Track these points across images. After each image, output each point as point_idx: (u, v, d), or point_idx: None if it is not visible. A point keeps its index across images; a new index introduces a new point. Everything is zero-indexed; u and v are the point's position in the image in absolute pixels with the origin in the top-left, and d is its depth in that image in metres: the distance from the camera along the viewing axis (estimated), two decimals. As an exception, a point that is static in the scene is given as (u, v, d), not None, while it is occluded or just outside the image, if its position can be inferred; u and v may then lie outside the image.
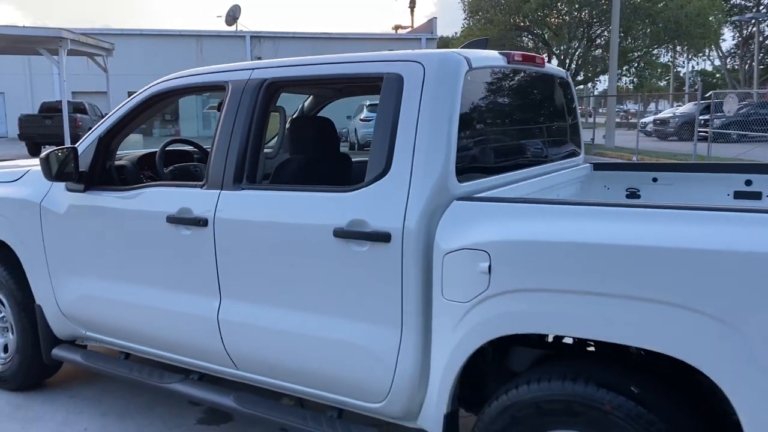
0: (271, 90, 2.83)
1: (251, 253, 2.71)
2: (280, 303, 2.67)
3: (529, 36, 25.56)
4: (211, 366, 3.01)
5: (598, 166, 3.69)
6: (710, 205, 1.99)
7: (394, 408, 2.49)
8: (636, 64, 24.52)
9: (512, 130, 2.89)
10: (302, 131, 3.28)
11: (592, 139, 21.69)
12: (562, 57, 26.21)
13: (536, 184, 2.84)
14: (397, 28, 54.35)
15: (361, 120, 22.40)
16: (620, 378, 2.06)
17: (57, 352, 3.55)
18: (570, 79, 3.54)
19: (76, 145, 3.29)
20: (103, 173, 3.34)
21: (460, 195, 2.35)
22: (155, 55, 33.02)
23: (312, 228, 2.54)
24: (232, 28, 36.75)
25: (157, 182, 3.16)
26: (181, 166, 3.74)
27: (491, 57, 2.72)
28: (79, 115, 21.54)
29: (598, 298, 1.99)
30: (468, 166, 2.45)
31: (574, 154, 3.53)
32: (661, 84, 42.88)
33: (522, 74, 2.99)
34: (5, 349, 3.84)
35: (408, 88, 2.44)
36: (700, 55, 29.76)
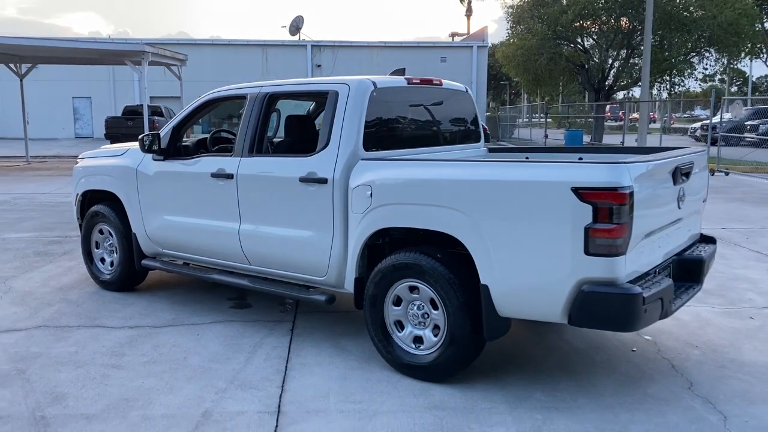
0: (270, 99, 4.83)
1: (256, 193, 4.70)
2: (270, 221, 4.65)
3: (568, 44, 26.86)
4: (234, 264, 5.01)
5: (492, 149, 5.54)
6: (465, 158, 3.88)
7: (331, 279, 4.42)
8: (672, 72, 25.47)
9: (408, 123, 4.78)
10: (290, 123, 5.25)
11: (622, 142, 22.96)
12: (600, 64, 27.39)
13: (430, 156, 4.72)
14: (453, 35, 56.12)
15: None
16: (432, 250, 3.93)
17: (145, 262, 5.64)
18: (470, 92, 5.40)
19: (159, 131, 5.38)
20: (175, 149, 5.41)
21: (363, 157, 4.27)
22: (225, 63, 35.85)
23: (288, 177, 4.50)
24: (295, 37, 39.35)
25: (206, 154, 5.21)
26: (221, 145, 5.78)
27: (395, 80, 4.63)
28: (156, 117, 24.42)
29: (421, 207, 3.88)
30: (371, 143, 4.36)
31: (472, 140, 5.38)
32: (700, 89, 42.99)
33: (423, 89, 4.87)
34: (112, 264, 5.97)
35: (340, 99, 4.37)
36: (735, 61, 30.28)
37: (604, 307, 3.35)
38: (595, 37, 27.57)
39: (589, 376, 4.09)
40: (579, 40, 27.03)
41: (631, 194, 3.28)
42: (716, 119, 30.61)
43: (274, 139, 5.65)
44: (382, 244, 4.29)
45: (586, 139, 27.46)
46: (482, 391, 3.85)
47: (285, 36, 39.62)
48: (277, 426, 3.45)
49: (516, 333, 4.86)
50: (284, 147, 5.07)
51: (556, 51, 25.75)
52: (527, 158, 5.01)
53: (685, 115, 62.80)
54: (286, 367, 4.23)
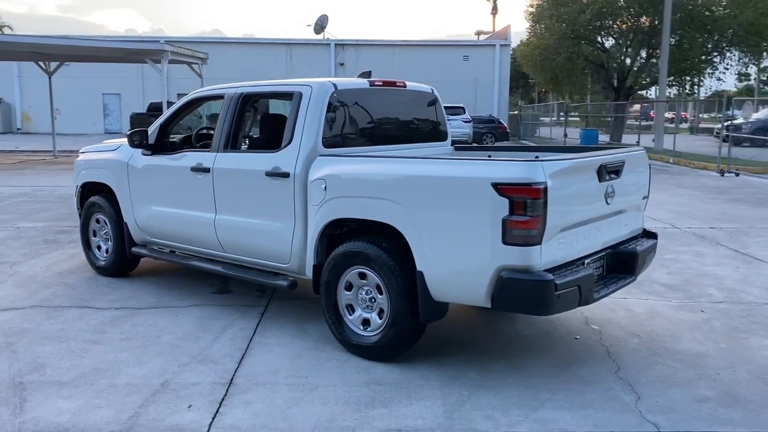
0: (245, 99, 5.21)
1: (229, 186, 5.09)
2: (241, 212, 5.03)
3: (587, 44, 26.85)
4: (212, 252, 5.40)
5: (458, 147, 5.86)
6: (405, 155, 4.21)
7: (294, 266, 4.78)
8: (692, 72, 25.33)
9: (370, 122, 5.12)
10: (263, 121, 5.62)
11: (638, 142, 22.94)
12: (620, 64, 27.32)
13: (393, 152, 5.05)
14: (479, 33, 56.20)
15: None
16: (378, 240, 4.26)
17: (135, 249, 6.08)
18: (436, 94, 5.71)
19: (147, 129, 5.80)
20: (162, 145, 5.82)
21: (321, 154, 4.62)
22: (250, 61, 36.53)
23: (256, 171, 4.87)
24: (320, 36, 39.86)
25: (189, 149, 5.62)
26: (205, 141, 6.18)
27: (357, 82, 4.98)
28: (179, 114, 24.91)
29: (366, 199, 4.22)
30: (330, 141, 4.70)
31: (438, 138, 5.70)
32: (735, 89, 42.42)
33: (386, 91, 5.20)
34: (107, 251, 6.42)
35: (303, 100, 4.73)
36: (758, 61, 29.91)
37: (520, 292, 3.66)
38: (615, 36, 27.52)
39: (526, 360, 4.39)
40: (598, 40, 27.00)
41: (545, 189, 3.58)
42: (740, 120, 30.36)
43: (251, 136, 6.04)
44: (340, 234, 4.64)
45: (605, 138, 27.44)
46: (421, 370, 4.17)
47: (310, 34, 40.19)
48: (225, 395, 3.82)
49: (468, 320, 5.18)
50: (257, 143, 5.46)
51: (574, 50, 25.78)
52: (489, 156, 5.32)
53: (719, 115, 61.94)
54: (248, 345, 4.61)
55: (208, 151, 5.30)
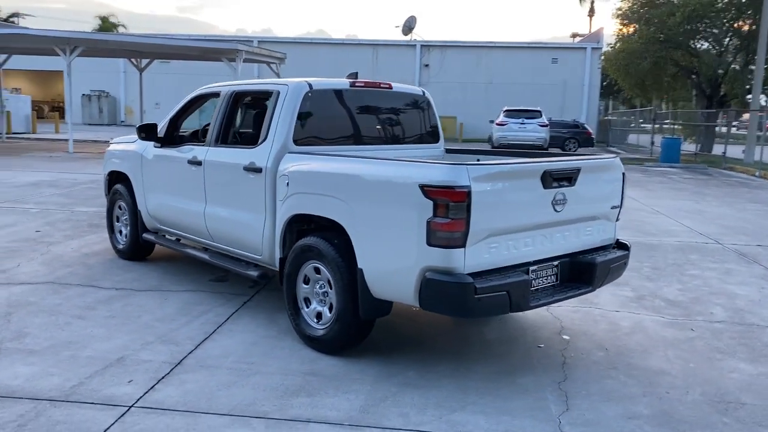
0: (235, 97, 5.45)
1: (216, 179, 5.35)
2: (225, 204, 5.28)
3: (677, 48, 25.60)
4: (204, 240, 5.69)
5: (449, 150, 5.86)
6: (357, 155, 4.30)
7: (266, 257, 4.98)
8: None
9: (348, 122, 5.22)
10: (247, 119, 5.83)
11: (724, 153, 21.67)
12: (713, 70, 25.87)
13: (369, 153, 5.15)
14: (575, 36, 54.80)
15: (496, 124, 24.32)
16: (330, 236, 4.38)
17: (145, 235, 6.48)
18: (427, 96, 5.74)
19: (155, 123, 6.17)
20: (171, 138, 6.18)
21: (290, 151, 4.78)
22: (337, 61, 37.26)
23: (237, 165, 5.09)
24: (408, 37, 40.12)
25: (191, 143, 5.94)
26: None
27: (335, 82, 5.11)
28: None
29: (318, 196, 4.35)
30: (302, 139, 4.85)
31: (429, 141, 5.73)
32: None
33: (369, 92, 5.29)
34: (125, 236, 6.86)
35: (279, 98, 4.91)
36: None
37: (442, 294, 3.68)
38: (709, 41, 26.12)
39: (473, 364, 4.38)
40: (690, 44, 25.70)
41: (468, 193, 3.58)
42: None
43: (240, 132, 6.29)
44: (308, 229, 4.79)
45: (690, 147, 26.08)
46: (363, 365, 4.26)
47: (398, 35, 40.47)
48: (168, 373, 4.06)
49: (437, 322, 5.20)
50: (241, 139, 5.70)
51: (661, 55, 24.66)
52: (478, 160, 5.32)
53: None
54: (214, 330, 4.85)
55: (203, 145, 5.59)
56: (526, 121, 23.92)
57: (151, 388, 3.86)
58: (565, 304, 5.41)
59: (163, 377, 4.01)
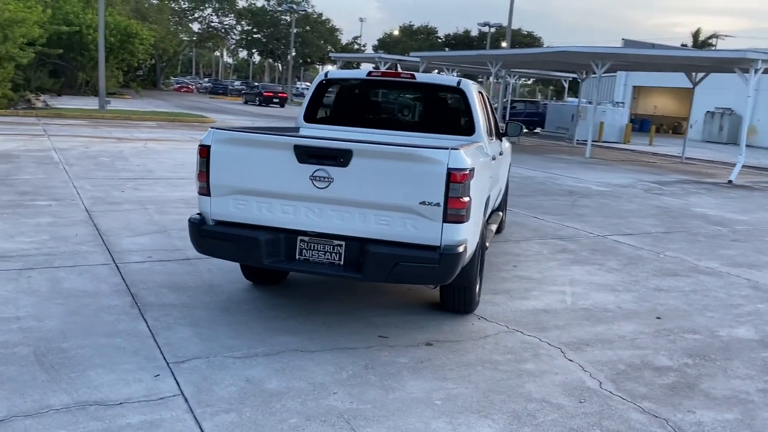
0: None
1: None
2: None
3: None
4: None
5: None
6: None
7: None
8: None
9: (358, 108, 5.77)
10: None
11: None
12: None
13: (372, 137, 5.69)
14: None
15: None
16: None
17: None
18: (462, 87, 5.48)
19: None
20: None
21: (300, 127, 5.87)
22: None
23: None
24: None
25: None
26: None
27: (353, 72, 5.81)
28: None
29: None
30: (311, 117, 5.85)
31: (460, 132, 5.55)
32: None
33: (389, 81, 5.67)
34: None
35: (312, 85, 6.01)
36: None
37: (189, 230, 4.55)
38: None
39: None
40: None
41: (208, 150, 4.31)
42: None
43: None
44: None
45: None
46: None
47: None
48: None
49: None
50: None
51: None
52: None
53: None
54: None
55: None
56: None
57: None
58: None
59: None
